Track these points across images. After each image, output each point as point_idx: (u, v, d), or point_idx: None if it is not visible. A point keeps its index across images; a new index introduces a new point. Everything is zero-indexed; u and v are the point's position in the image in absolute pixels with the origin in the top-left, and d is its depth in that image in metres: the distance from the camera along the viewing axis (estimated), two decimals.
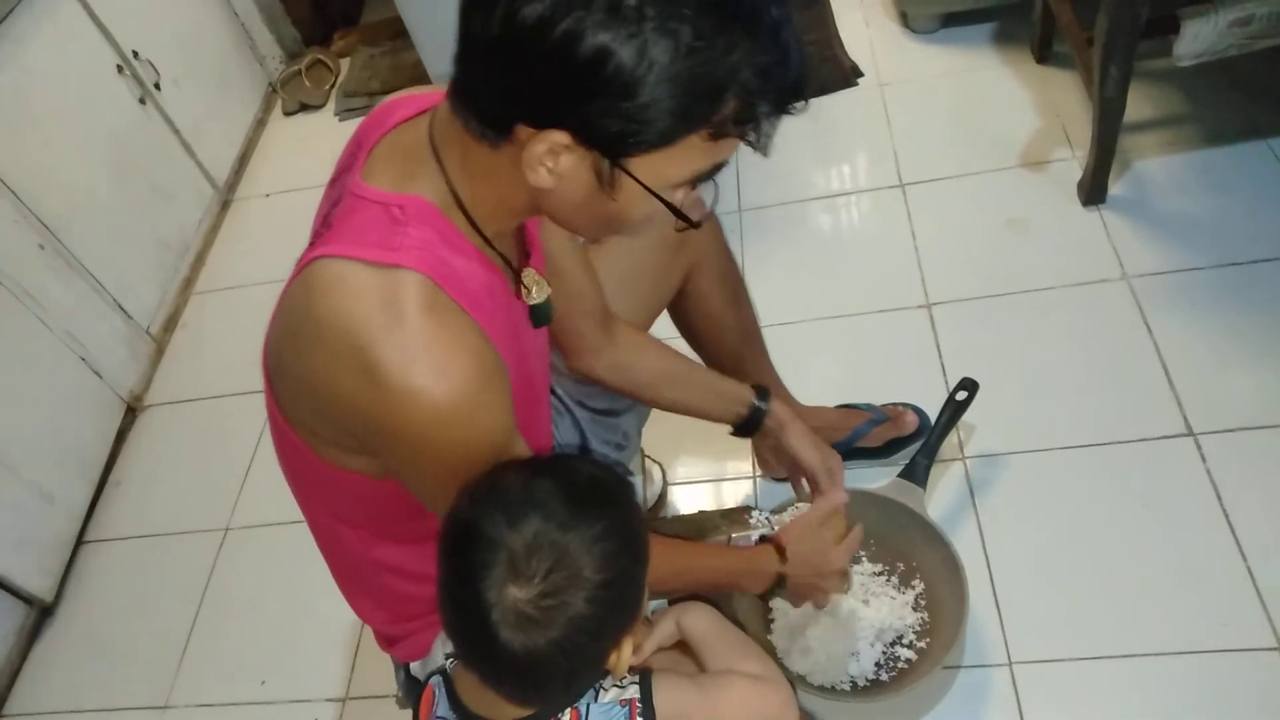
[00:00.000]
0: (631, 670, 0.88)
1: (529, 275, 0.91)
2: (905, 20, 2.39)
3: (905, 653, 1.33)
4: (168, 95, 2.39)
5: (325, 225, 0.84)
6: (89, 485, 1.98)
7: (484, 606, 0.74)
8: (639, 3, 0.65)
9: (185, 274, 2.39)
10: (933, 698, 1.33)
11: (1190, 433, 1.51)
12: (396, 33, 2.68)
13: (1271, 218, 1.74)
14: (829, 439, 1.29)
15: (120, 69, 2.25)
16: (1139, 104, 1.95)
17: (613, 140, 0.70)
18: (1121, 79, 1.67)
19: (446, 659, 0.91)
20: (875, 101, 2.24)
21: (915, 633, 1.34)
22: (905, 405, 1.60)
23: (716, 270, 1.38)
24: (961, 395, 1.49)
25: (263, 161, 2.72)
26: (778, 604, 1.39)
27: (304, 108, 2.83)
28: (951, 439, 1.55)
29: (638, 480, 1.51)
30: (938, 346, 1.74)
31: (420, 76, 2.42)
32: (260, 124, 2.82)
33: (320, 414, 0.85)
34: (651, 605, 1.02)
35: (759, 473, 1.65)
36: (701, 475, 1.70)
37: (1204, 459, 1.47)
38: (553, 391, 1.21)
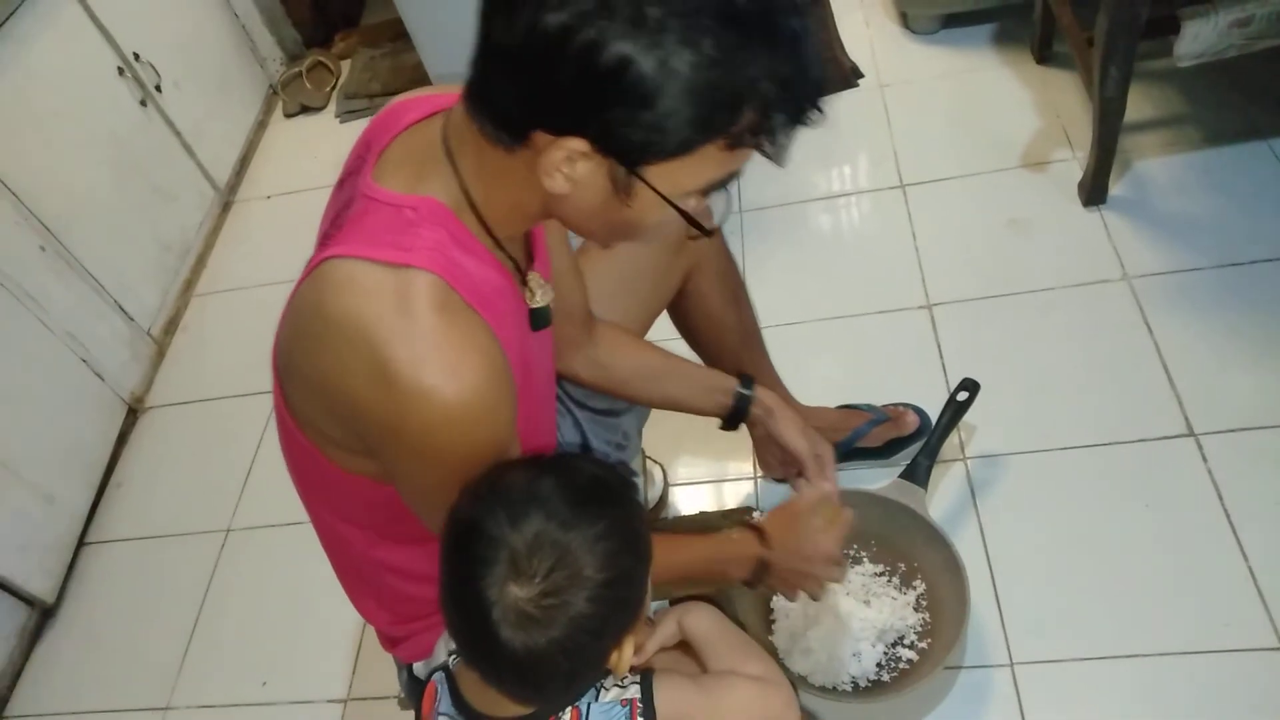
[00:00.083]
0: (633, 670, 0.87)
1: (534, 278, 0.91)
2: (905, 21, 2.39)
3: (906, 653, 1.33)
4: (169, 97, 2.39)
5: (335, 226, 0.84)
6: (90, 487, 1.98)
7: (485, 605, 0.75)
8: (661, 13, 0.65)
9: (186, 276, 2.40)
10: (934, 698, 1.33)
11: (1191, 433, 1.51)
12: (397, 34, 2.68)
13: (1271, 218, 1.74)
14: (830, 439, 1.29)
15: (121, 71, 2.25)
16: (1139, 104, 1.95)
17: (631, 149, 0.70)
18: (1121, 79, 1.67)
19: (449, 655, 0.91)
20: (875, 102, 2.24)
21: (916, 633, 1.35)
22: (906, 406, 1.61)
23: (716, 271, 1.38)
24: (962, 396, 1.49)
25: (263, 163, 2.72)
26: (779, 604, 1.39)
27: (305, 109, 2.82)
28: (952, 439, 1.55)
29: (639, 481, 1.51)
30: (938, 347, 1.74)
31: (421, 78, 2.42)
32: (261, 126, 2.82)
33: (329, 414, 0.84)
34: (653, 605, 1.02)
35: (760, 473, 1.65)
36: (702, 476, 1.70)
37: (1205, 459, 1.47)
38: None
